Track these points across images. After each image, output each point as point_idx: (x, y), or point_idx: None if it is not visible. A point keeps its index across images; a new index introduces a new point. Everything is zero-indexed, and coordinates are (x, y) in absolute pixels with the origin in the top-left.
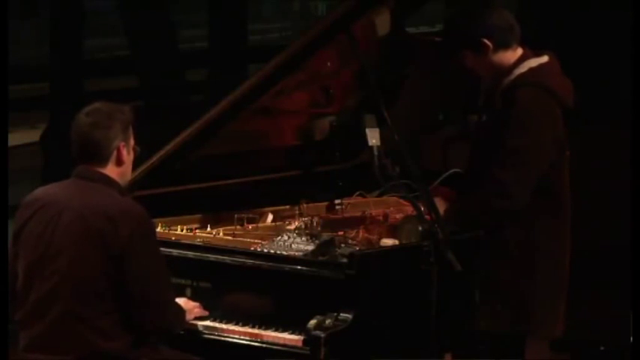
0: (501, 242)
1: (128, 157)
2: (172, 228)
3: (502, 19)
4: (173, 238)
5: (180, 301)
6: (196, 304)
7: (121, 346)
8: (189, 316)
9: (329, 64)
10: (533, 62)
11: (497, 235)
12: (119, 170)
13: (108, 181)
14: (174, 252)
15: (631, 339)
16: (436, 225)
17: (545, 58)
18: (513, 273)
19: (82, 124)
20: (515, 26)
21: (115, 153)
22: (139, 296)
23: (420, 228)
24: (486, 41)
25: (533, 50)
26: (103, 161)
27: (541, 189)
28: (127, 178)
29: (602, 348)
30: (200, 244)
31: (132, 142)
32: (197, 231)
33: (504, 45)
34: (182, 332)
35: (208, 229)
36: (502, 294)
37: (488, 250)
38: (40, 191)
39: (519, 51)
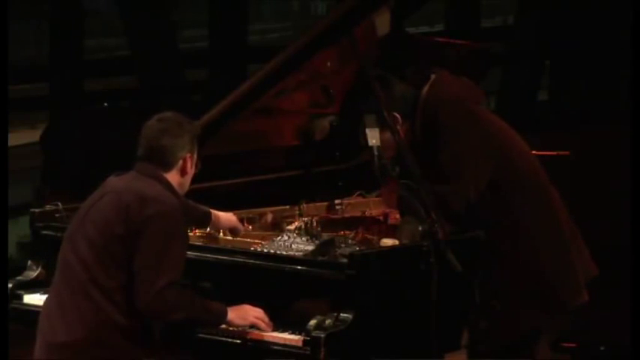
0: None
1: (191, 170)
2: None
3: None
4: None
5: (244, 306)
6: (259, 312)
7: (133, 324)
8: (244, 321)
9: (329, 64)
10: (425, 87)
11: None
12: (180, 180)
13: (161, 179)
14: None
15: (631, 339)
16: (436, 225)
17: (432, 76)
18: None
19: (153, 129)
20: None
21: (180, 162)
22: (135, 270)
23: (420, 228)
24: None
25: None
26: (167, 167)
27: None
28: (185, 189)
29: (602, 348)
30: (200, 244)
31: (196, 156)
32: (197, 231)
33: None
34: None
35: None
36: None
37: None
38: (108, 178)
39: None
